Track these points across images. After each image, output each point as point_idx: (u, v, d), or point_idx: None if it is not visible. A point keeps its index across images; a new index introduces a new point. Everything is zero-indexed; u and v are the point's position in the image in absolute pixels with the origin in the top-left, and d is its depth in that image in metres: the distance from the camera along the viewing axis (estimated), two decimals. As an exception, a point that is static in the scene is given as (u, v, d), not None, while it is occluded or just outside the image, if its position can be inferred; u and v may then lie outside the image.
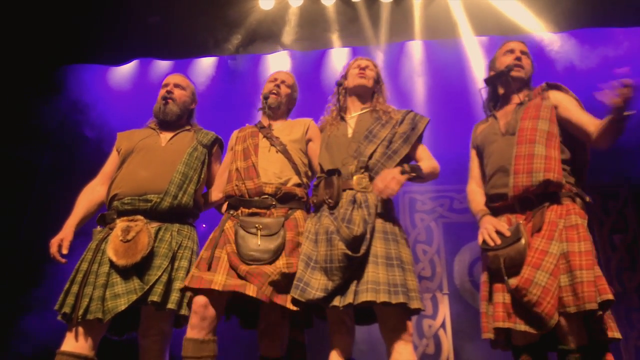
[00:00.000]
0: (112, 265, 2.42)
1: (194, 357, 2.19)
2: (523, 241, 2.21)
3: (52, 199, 4.98)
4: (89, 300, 2.37)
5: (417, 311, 2.26)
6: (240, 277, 2.29)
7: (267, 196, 2.51)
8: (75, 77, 5.48)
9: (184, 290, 2.38)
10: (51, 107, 5.31)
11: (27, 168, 5.19)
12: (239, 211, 2.53)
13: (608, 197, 4.85)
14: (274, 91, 2.83)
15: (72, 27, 5.18)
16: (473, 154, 2.78)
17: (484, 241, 2.36)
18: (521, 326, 2.19)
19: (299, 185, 2.59)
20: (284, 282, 2.31)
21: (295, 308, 2.30)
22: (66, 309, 2.38)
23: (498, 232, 2.34)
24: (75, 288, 2.42)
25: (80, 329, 2.38)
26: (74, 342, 2.36)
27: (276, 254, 2.36)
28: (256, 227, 2.39)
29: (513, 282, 2.18)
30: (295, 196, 2.56)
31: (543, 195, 2.32)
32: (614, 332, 2.15)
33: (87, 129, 5.37)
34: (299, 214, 2.55)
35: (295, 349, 2.51)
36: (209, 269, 2.32)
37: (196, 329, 2.24)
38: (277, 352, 2.44)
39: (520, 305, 2.19)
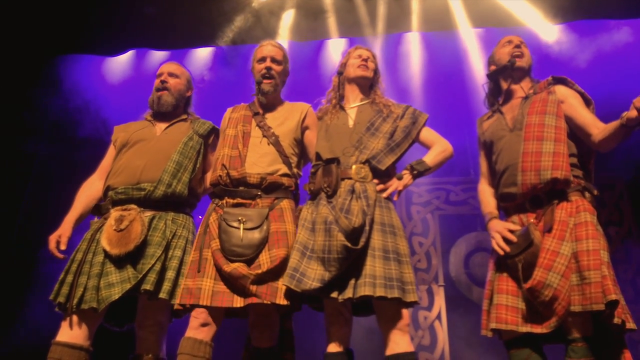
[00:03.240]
0: (106, 254, 2.41)
1: (189, 354, 2.20)
2: (536, 243, 2.22)
3: (49, 190, 4.98)
4: (84, 289, 2.36)
5: (412, 304, 2.27)
6: (225, 279, 2.30)
7: (251, 186, 2.48)
8: (70, 68, 5.45)
9: (181, 307, 2.35)
10: (46, 97, 5.28)
11: (23, 159, 5.16)
12: (224, 201, 2.51)
13: (604, 189, 4.85)
14: (267, 75, 2.67)
15: (68, 17, 5.15)
16: (481, 149, 2.76)
17: (501, 247, 2.36)
18: (524, 328, 2.21)
19: (286, 175, 2.56)
20: (268, 277, 2.30)
21: (284, 302, 2.28)
22: (61, 299, 2.37)
23: (509, 236, 2.33)
24: (69, 278, 2.42)
25: (75, 319, 2.37)
26: (69, 332, 2.35)
27: (259, 248, 2.34)
28: (239, 220, 2.37)
29: (526, 284, 2.19)
30: (281, 186, 2.53)
31: (552, 192, 2.32)
32: (630, 324, 2.14)
33: (82, 120, 5.34)
34: (285, 203, 2.52)
35: (283, 336, 2.51)
36: (198, 270, 2.33)
37: (195, 331, 2.26)
38: (268, 342, 2.43)
39: (528, 306, 2.22)
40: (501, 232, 2.37)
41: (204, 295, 2.26)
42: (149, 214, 2.56)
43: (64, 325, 2.38)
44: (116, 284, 2.35)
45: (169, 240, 2.52)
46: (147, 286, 2.36)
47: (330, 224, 2.30)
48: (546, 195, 2.33)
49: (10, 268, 4.69)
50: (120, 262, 2.40)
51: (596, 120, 2.38)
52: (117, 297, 2.32)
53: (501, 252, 2.34)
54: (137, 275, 2.37)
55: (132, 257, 2.42)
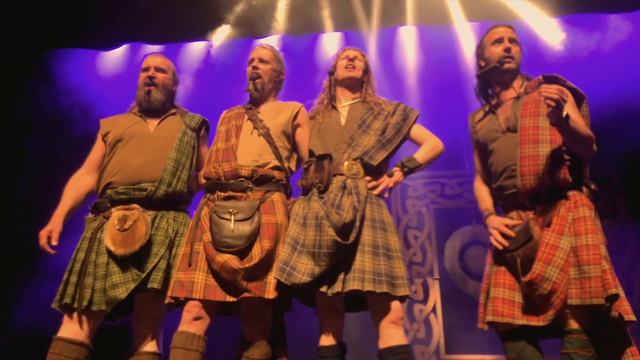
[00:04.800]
0: (110, 254, 2.41)
1: (182, 347, 2.21)
2: (535, 237, 2.23)
3: (41, 185, 4.96)
4: (92, 291, 2.36)
5: (405, 298, 2.28)
6: (216, 273, 2.31)
7: (243, 179, 2.50)
8: (63, 62, 5.42)
9: (173, 300, 2.35)
10: (39, 91, 5.25)
11: (15, 154, 5.14)
12: (215, 195, 2.52)
13: (598, 183, 4.85)
14: (254, 75, 2.76)
15: (61, 10, 5.11)
16: (474, 148, 2.76)
17: (499, 242, 2.37)
18: (520, 320, 2.23)
19: (277, 168, 2.58)
20: (258, 272, 2.32)
21: (272, 296, 2.30)
22: (67, 300, 2.37)
23: (507, 232, 2.35)
24: (74, 278, 2.41)
25: (82, 318, 2.38)
26: (71, 329, 2.36)
27: (250, 239, 2.35)
28: (230, 212, 2.38)
29: (525, 277, 2.21)
30: (272, 179, 2.55)
31: (551, 190, 2.34)
32: (629, 315, 2.16)
33: (75, 115, 5.31)
34: (276, 196, 2.53)
35: (275, 331, 2.51)
36: (189, 265, 2.34)
37: (188, 325, 2.27)
38: (260, 335, 2.44)
39: (525, 299, 2.24)
40: (499, 228, 2.38)
41: (196, 288, 2.28)
42: (150, 213, 2.56)
43: (67, 322, 2.39)
44: (120, 285, 2.36)
45: (171, 239, 2.54)
46: (155, 284, 2.37)
47: (321, 219, 2.31)
48: (545, 193, 2.35)
49: (3, 263, 4.68)
50: (123, 262, 2.40)
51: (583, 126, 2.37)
52: (123, 297, 2.34)
53: (500, 247, 2.35)
54: (140, 275, 2.38)
55: (136, 257, 2.42)
